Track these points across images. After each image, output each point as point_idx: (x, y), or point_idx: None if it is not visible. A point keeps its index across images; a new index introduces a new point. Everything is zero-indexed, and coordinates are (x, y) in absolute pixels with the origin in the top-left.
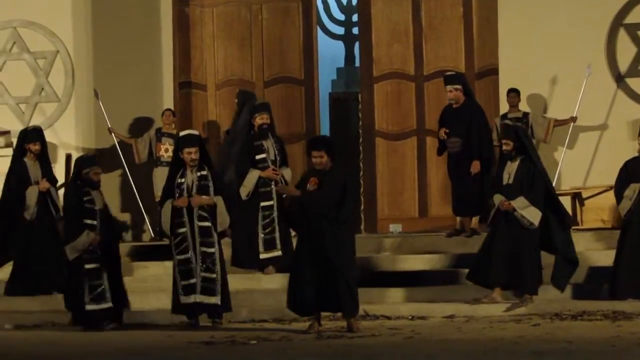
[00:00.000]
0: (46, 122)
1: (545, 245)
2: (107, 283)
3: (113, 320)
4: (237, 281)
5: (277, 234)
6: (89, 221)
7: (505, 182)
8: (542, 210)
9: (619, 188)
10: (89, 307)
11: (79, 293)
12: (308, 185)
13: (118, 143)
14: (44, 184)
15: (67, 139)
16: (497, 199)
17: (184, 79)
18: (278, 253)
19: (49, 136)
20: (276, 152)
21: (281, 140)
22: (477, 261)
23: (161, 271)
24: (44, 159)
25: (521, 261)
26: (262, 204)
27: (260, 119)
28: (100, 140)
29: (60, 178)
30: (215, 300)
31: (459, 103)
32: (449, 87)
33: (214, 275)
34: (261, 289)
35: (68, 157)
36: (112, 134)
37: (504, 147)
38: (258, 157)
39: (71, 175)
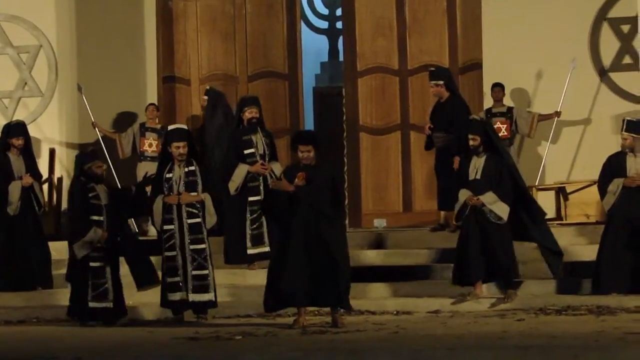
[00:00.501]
0: (29, 116)
1: (523, 237)
2: (110, 282)
3: (109, 319)
4: (222, 276)
5: (264, 229)
6: (95, 217)
7: (472, 177)
8: (511, 205)
9: (603, 183)
10: (91, 304)
11: (83, 289)
12: (296, 180)
13: (102, 138)
14: (27, 179)
15: (50, 133)
16: (463, 194)
17: (168, 73)
18: (266, 249)
19: (32, 131)
20: (265, 146)
21: (271, 134)
22: (457, 264)
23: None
24: (28, 154)
25: (496, 256)
26: (250, 198)
27: (249, 113)
28: (84, 134)
29: (45, 173)
30: (210, 297)
31: (443, 98)
32: (431, 83)
33: (206, 272)
34: (246, 284)
35: (52, 152)
36: (96, 129)
37: (471, 142)
38: (246, 151)
39: (74, 173)
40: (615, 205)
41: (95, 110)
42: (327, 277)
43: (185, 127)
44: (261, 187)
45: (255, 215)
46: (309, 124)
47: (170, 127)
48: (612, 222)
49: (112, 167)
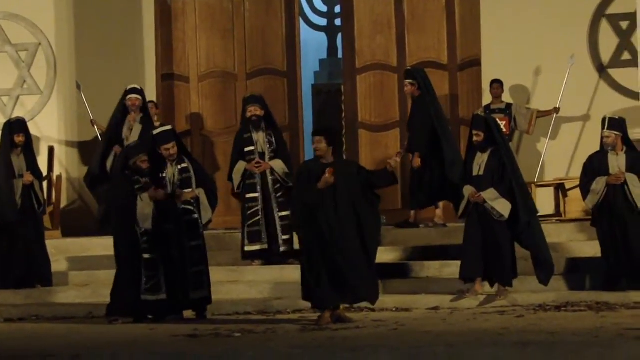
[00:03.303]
0: (28, 114)
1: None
2: (163, 275)
3: (170, 313)
4: (220, 273)
5: (262, 227)
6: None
7: (475, 173)
8: (512, 202)
9: (585, 182)
10: (144, 297)
11: (135, 282)
12: (326, 175)
13: (100, 135)
14: (28, 177)
15: (49, 131)
16: (467, 190)
17: (167, 70)
18: (264, 246)
19: (31, 129)
20: (267, 144)
21: (276, 132)
22: (463, 259)
23: None
24: (29, 152)
25: (496, 253)
26: (247, 195)
27: (249, 112)
28: (82, 132)
29: (44, 171)
30: (206, 293)
31: (414, 97)
32: (405, 82)
33: (202, 268)
34: (245, 280)
35: (51, 150)
36: (95, 127)
37: (475, 138)
38: (247, 149)
39: (114, 169)
40: (599, 204)
41: (94, 108)
42: (361, 272)
43: (170, 127)
44: (258, 185)
45: (251, 212)
46: (307, 121)
47: (155, 132)
48: (602, 222)
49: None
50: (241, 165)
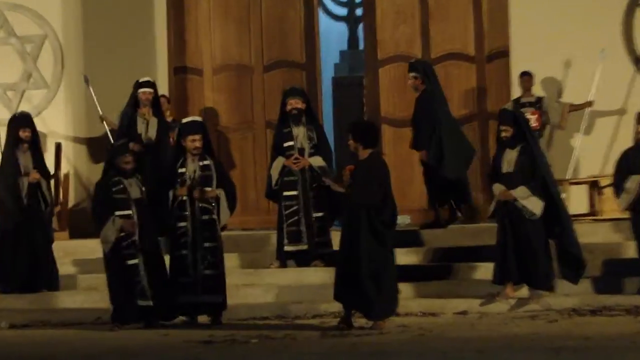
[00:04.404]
0: (34, 110)
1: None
2: (146, 280)
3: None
4: (237, 276)
5: (303, 227)
6: (120, 212)
7: (504, 170)
8: (544, 199)
9: (618, 180)
10: (140, 302)
11: (125, 290)
12: (344, 173)
13: (110, 132)
14: (34, 175)
15: (56, 127)
16: (497, 188)
17: (179, 63)
18: (304, 247)
19: (37, 125)
20: (307, 140)
21: (319, 127)
22: (497, 263)
23: None
24: (36, 149)
25: (530, 255)
26: (285, 193)
27: (290, 105)
28: (91, 128)
29: (51, 169)
30: (220, 298)
31: (418, 92)
32: (409, 75)
33: (217, 272)
34: (262, 284)
35: (58, 147)
36: (104, 122)
37: (503, 134)
38: (286, 144)
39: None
40: (634, 204)
41: (103, 102)
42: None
43: (200, 119)
44: (298, 183)
45: (289, 211)
46: (327, 115)
47: (185, 120)
48: (638, 220)
49: None
50: (279, 162)
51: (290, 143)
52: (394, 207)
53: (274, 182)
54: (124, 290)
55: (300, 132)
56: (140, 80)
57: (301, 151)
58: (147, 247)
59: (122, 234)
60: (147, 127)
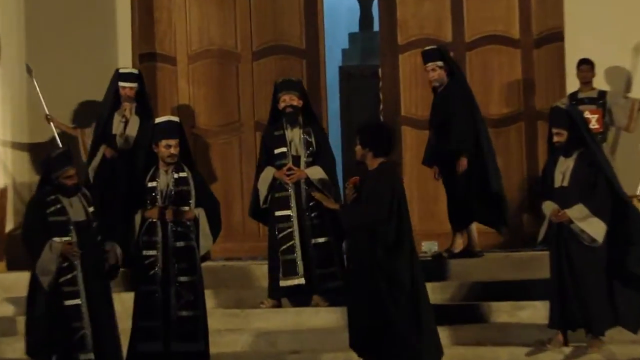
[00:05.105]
0: None
1: (616, 268)
2: (89, 326)
3: None
4: (219, 319)
5: (298, 255)
6: (57, 238)
7: (558, 184)
8: (608, 221)
9: None
10: (81, 357)
11: (61, 339)
12: (347, 187)
13: (58, 135)
14: None
15: None
16: (548, 207)
17: (146, 49)
18: (299, 280)
19: None
20: (304, 146)
21: (319, 129)
22: (551, 301)
23: (117, 306)
24: None
25: (586, 292)
26: (277, 213)
27: (283, 101)
28: (35, 131)
29: None
30: (200, 346)
31: (442, 85)
32: (427, 66)
33: (196, 313)
34: (251, 328)
35: None
36: (51, 123)
37: (556, 138)
38: (277, 150)
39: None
40: None
41: (50, 99)
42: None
43: (177, 119)
44: (292, 200)
45: (283, 234)
46: (333, 115)
47: (157, 120)
48: None
49: None
50: (269, 173)
51: (283, 149)
52: (402, 226)
53: (262, 199)
54: (58, 339)
55: (295, 135)
56: (121, 71)
57: (296, 160)
58: (93, 284)
59: (65, 264)
60: (125, 127)
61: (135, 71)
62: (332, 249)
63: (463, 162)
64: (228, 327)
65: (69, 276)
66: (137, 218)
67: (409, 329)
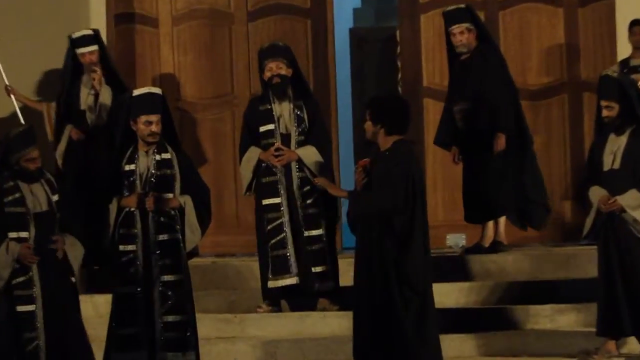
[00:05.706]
0: None
1: None
2: (43, 338)
3: None
4: (209, 325)
5: (290, 250)
6: (13, 234)
7: (607, 167)
8: None
9: None
10: None
11: (8, 349)
12: (356, 171)
13: (20, 109)
14: None
15: None
16: (597, 194)
17: (123, 9)
18: (292, 280)
19: None
20: (295, 122)
21: (312, 102)
22: (599, 305)
23: (89, 311)
24: None
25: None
26: (265, 201)
27: (269, 70)
28: None
29: None
30: (190, 356)
31: (469, 51)
32: (454, 28)
33: (184, 318)
34: (247, 336)
35: None
36: (11, 96)
37: (605, 113)
38: (262, 128)
39: None
40: None
41: (11, 69)
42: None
43: (159, 91)
44: (281, 186)
45: (272, 225)
46: (343, 83)
47: (136, 92)
48: None
49: None
50: (253, 154)
51: (270, 127)
52: (415, 217)
53: (245, 186)
54: (7, 352)
55: (284, 110)
56: (74, 36)
57: (286, 138)
58: (53, 286)
59: (17, 266)
60: (96, 102)
61: (89, 32)
62: (329, 242)
63: (501, 140)
64: (219, 334)
65: (22, 278)
66: (113, 207)
67: (416, 338)
